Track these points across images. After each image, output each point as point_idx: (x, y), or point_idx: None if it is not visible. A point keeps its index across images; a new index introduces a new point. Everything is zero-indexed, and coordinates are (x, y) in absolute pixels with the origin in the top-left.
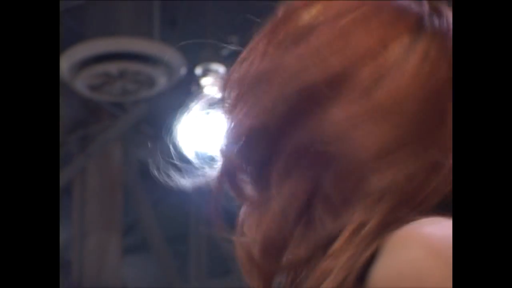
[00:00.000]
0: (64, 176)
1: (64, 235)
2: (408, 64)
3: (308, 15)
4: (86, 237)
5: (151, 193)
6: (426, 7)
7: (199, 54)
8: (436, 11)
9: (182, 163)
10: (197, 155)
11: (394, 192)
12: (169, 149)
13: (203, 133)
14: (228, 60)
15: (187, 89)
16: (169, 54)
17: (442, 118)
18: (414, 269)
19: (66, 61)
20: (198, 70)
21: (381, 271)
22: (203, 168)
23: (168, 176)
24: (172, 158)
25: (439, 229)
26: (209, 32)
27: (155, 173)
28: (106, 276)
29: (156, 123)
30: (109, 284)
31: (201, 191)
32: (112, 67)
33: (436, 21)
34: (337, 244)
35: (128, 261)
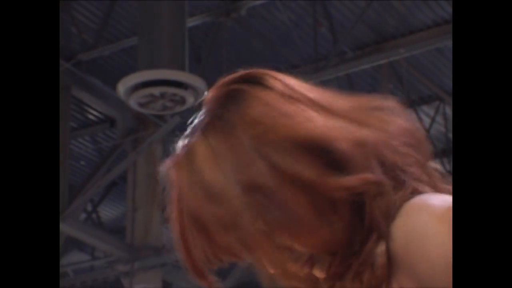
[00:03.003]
0: (121, 167)
1: (121, 209)
2: None
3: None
4: (137, 211)
5: None
6: None
7: (218, 81)
8: None
9: None
10: None
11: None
12: None
13: None
14: None
15: None
16: (196, 81)
17: None
18: (423, 229)
19: (123, 86)
20: None
21: (398, 230)
22: None
23: None
24: None
25: (442, 201)
26: (224, 65)
27: None
28: (151, 239)
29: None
30: (153, 244)
31: None
32: (156, 90)
33: None
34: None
35: (166, 228)
